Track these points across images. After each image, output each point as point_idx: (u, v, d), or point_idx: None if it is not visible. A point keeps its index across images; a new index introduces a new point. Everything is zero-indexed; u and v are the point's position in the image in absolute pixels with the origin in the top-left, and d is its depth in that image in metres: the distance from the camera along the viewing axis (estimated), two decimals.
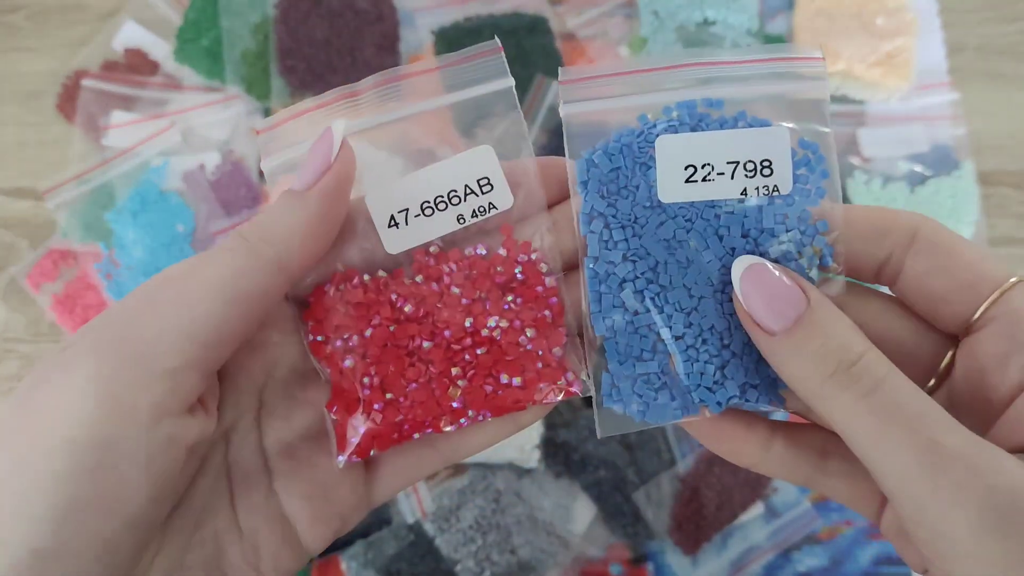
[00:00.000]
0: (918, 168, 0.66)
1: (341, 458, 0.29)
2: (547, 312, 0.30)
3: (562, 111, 0.29)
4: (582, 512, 0.58)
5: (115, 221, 0.64)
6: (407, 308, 0.29)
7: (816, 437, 0.30)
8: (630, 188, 0.29)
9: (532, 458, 0.58)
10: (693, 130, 0.29)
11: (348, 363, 0.29)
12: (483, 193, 0.30)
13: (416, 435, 0.30)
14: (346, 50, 0.68)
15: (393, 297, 0.30)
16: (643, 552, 0.58)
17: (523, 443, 0.58)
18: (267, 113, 0.69)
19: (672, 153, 0.28)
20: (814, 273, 0.28)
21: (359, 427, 0.29)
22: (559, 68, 0.30)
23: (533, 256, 0.30)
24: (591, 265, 0.29)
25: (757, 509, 0.58)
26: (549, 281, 0.30)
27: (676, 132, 0.29)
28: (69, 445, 0.23)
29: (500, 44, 0.30)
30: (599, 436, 0.29)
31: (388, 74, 0.30)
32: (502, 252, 0.30)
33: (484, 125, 0.30)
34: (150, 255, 0.63)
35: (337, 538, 0.31)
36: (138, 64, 0.70)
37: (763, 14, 0.70)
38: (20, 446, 0.23)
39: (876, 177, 0.66)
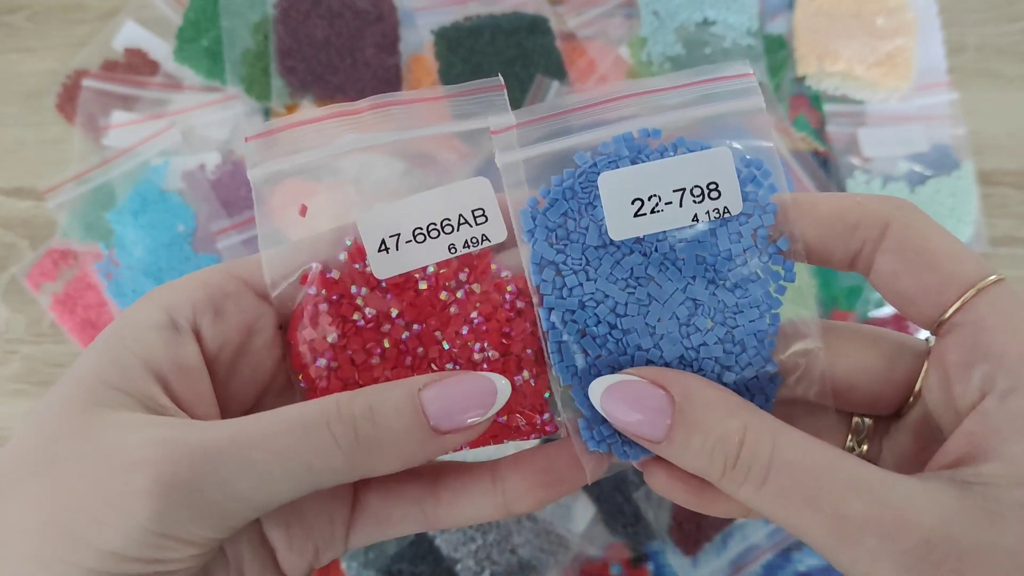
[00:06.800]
0: (918, 168, 0.66)
1: None
2: (531, 350, 0.29)
3: (498, 161, 0.29)
4: (582, 512, 0.58)
5: (115, 221, 0.64)
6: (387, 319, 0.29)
7: None
8: (579, 231, 0.28)
9: None
10: (634, 163, 0.28)
11: (321, 362, 0.29)
12: (477, 224, 0.29)
13: None
14: (346, 50, 0.68)
15: (359, 291, 0.29)
16: (643, 552, 0.58)
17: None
18: (267, 113, 0.69)
19: (616, 189, 0.28)
20: (775, 296, 0.28)
21: None
22: (490, 122, 0.29)
23: (535, 300, 0.29)
24: (548, 316, 0.28)
25: None
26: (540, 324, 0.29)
27: (617, 167, 0.28)
28: (105, 557, 0.23)
29: (503, 81, 0.29)
30: (588, 482, 0.29)
31: (387, 97, 0.29)
32: (507, 275, 0.29)
33: (487, 135, 0.30)
34: (150, 255, 0.63)
35: (313, 570, 0.31)
36: (138, 64, 0.70)
37: (763, 14, 0.70)
38: (53, 541, 0.23)
39: (876, 177, 0.66)
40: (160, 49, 0.70)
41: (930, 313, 0.26)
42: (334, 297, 0.29)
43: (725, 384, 0.28)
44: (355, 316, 0.29)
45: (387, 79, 0.68)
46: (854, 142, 0.67)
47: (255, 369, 0.29)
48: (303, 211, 0.30)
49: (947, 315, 0.25)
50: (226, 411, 0.29)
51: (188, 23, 0.70)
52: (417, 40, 0.70)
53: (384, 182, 0.30)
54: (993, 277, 0.25)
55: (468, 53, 0.68)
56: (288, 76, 0.67)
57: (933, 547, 0.22)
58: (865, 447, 0.30)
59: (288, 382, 0.30)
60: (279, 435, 0.24)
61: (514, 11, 0.70)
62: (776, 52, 0.69)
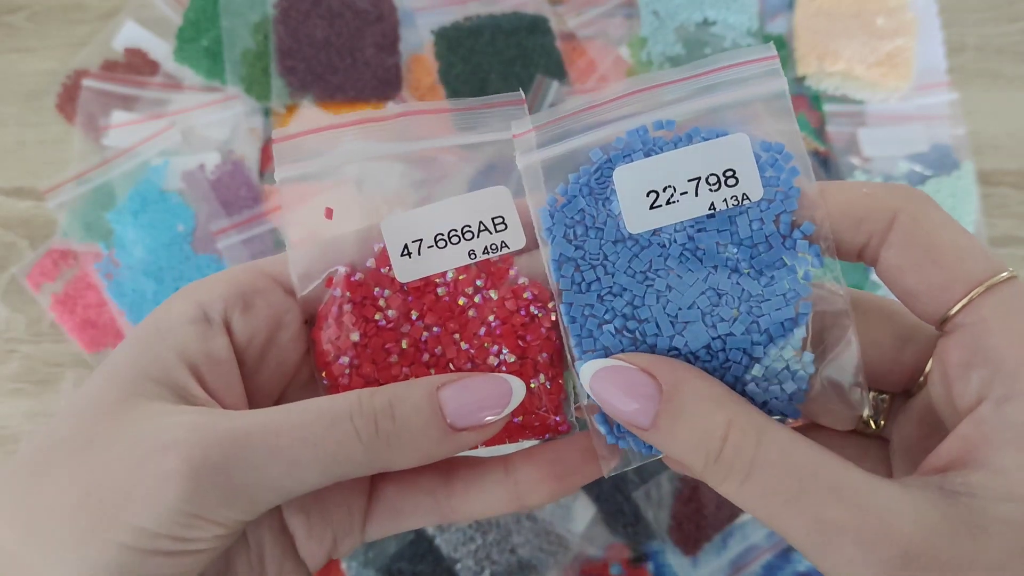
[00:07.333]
0: (918, 168, 0.66)
1: None
2: (546, 354, 0.30)
3: (519, 163, 0.29)
4: (582, 512, 0.58)
5: (115, 221, 0.64)
6: (397, 321, 0.29)
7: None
8: (596, 227, 0.28)
9: None
10: (647, 155, 0.28)
11: (344, 360, 0.30)
12: (496, 231, 0.30)
13: None
14: (346, 50, 0.68)
15: (381, 294, 0.30)
16: (643, 552, 0.58)
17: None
18: (267, 113, 0.69)
19: (631, 183, 0.28)
20: (803, 282, 0.27)
21: None
22: (512, 123, 0.30)
23: (550, 306, 0.30)
24: (567, 311, 0.28)
25: None
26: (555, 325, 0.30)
27: (631, 161, 0.28)
28: (137, 533, 0.24)
29: (524, 96, 0.30)
30: (605, 476, 0.29)
31: (411, 107, 0.30)
32: (524, 281, 0.30)
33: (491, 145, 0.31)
34: (150, 255, 0.63)
35: (332, 559, 0.31)
36: (138, 64, 0.70)
37: (763, 14, 0.70)
38: (87, 516, 0.24)
39: (876, 177, 0.66)
40: (160, 49, 0.70)
41: (935, 311, 0.25)
42: (358, 299, 0.30)
43: (754, 375, 0.27)
44: (376, 316, 0.30)
45: (387, 79, 0.68)
46: (854, 142, 0.67)
47: (281, 362, 0.30)
48: (329, 214, 0.31)
49: (951, 313, 0.25)
50: (253, 402, 0.29)
51: (188, 23, 0.70)
52: (417, 40, 0.70)
53: (391, 185, 0.31)
54: (1004, 275, 0.24)
55: (468, 53, 0.68)
56: (288, 76, 0.67)
57: (912, 558, 0.21)
58: (883, 422, 0.30)
59: (311, 375, 0.31)
60: (306, 425, 0.25)
61: (514, 11, 0.70)
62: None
